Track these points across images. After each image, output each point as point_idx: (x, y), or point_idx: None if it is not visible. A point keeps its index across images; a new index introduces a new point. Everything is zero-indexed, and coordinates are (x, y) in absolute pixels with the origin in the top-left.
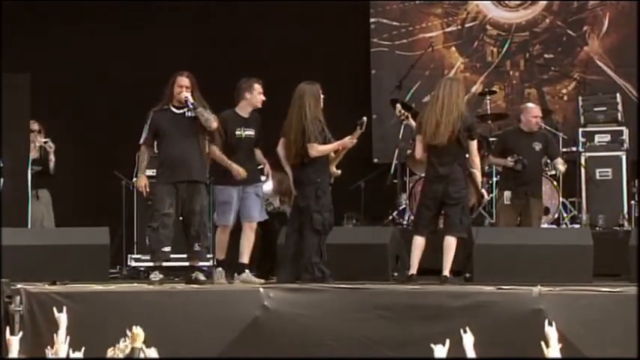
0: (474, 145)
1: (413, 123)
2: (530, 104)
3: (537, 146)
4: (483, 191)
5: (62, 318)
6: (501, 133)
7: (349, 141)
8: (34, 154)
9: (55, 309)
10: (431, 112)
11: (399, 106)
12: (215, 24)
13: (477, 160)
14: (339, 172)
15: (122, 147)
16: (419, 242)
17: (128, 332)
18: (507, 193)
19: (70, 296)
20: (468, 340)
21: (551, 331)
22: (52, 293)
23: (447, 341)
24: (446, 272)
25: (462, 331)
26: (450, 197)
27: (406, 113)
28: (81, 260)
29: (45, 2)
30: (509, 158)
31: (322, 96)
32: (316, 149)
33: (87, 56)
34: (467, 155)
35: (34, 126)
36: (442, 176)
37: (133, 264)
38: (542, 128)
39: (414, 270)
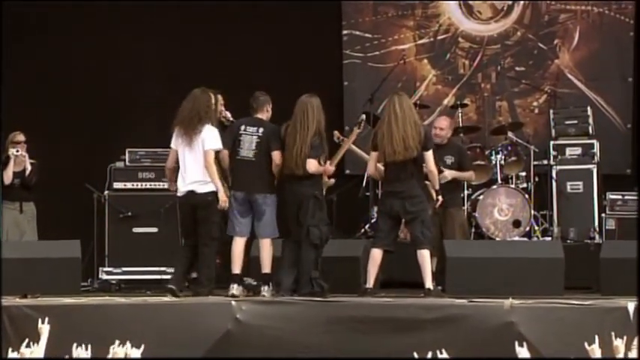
0: (429, 155)
1: (353, 147)
2: (440, 117)
3: (449, 159)
4: (439, 198)
5: (44, 329)
6: None
7: (330, 167)
8: (17, 167)
9: (39, 320)
10: (389, 129)
11: (336, 132)
12: (189, 34)
13: (433, 170)
14: (332, 181)
15: (93, 159)
16: (374, 255)
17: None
18: None
19: (41, 309)
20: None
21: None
22: (23, 306)
23: (429, 354)
24: (428, 284)
25: (437, 352)
26: (407, 212)
27: (344, 138)
28: (52, 273)
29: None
30: None
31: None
32: (314, 166)
33: (56, 67)
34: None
35: (20, 137)
36: (399, 192)
37: (104, 277)
38: (452, 142)
39: (370, 284)
